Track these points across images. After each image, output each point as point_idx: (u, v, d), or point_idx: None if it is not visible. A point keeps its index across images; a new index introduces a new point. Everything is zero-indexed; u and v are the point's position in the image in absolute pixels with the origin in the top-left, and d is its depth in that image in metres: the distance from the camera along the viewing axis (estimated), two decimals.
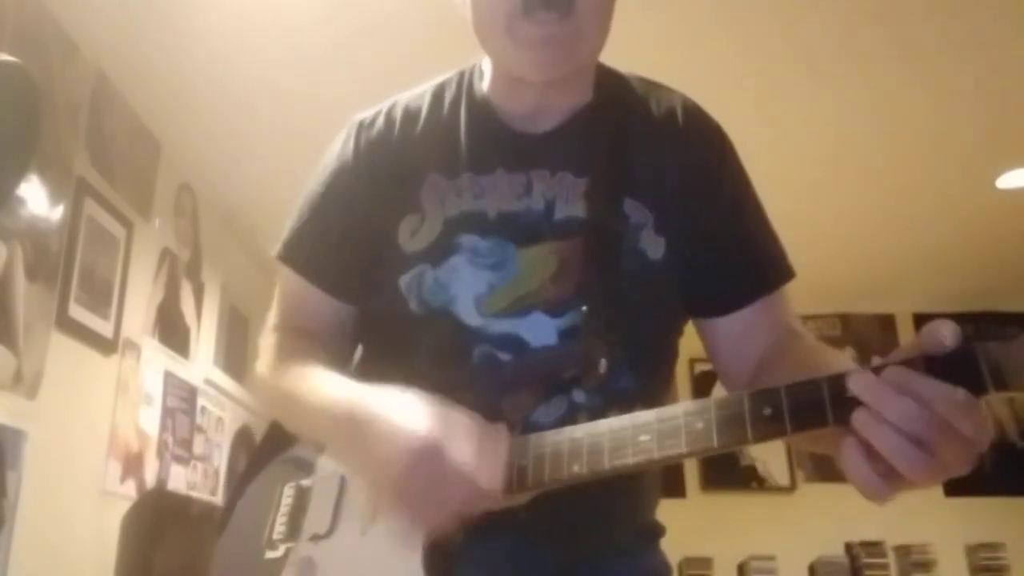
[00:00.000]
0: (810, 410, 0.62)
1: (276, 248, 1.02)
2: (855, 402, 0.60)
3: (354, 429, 0.78)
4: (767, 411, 0.64)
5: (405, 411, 0.75)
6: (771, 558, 4.09)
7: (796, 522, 4.27)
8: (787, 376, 0.70)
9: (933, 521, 4.27)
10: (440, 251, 0.90)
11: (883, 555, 4.15)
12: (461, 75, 1.01)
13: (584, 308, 0.86)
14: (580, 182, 0.90)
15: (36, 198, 2.12)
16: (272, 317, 1.03)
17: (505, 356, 0.86)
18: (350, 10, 2.32)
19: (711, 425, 0.66)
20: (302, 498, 0.92)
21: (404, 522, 0.75)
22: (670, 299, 0.92)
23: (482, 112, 0.96)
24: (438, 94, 1.00)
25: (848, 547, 4.17)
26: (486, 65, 0.98)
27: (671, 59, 2.23)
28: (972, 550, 4.21)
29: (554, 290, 0.87)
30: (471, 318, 0.87)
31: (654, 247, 0.89)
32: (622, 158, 0.92)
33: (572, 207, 0.89)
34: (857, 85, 2.68)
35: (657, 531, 0.97)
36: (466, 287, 0.88)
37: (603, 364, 0.82)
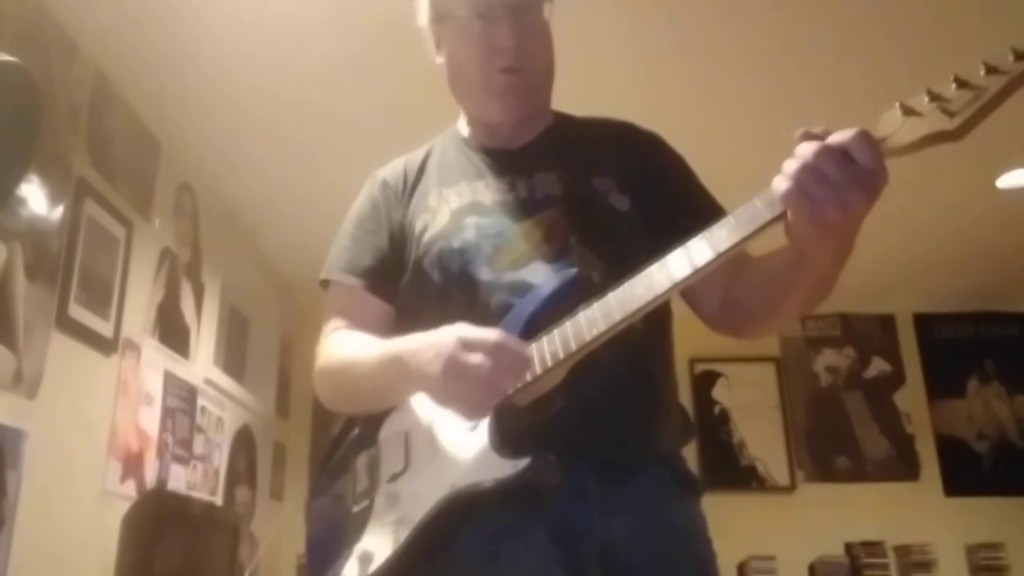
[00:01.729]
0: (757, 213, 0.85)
1: (330, 271, 1.23)
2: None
3: (404, 361, 0.99)
4: (724, 231, 0.87)
5: (434, 333, 0.97)
6: (771, 558, 4.09)
7: (796, 522, 4.27)
8: (752, 291, 1.04)
9: (933, 521, 4.28)
10: (452, 231, 1.12)
11: (883, 555, 4.14)
12: (447, 132, 1.30)
13: (573, 238, 1.06)
14: (552, 175, 1.15)
15: (36, 198, 2.12)
16: (327, 328, 1.21)
17: (517, 300, 1.03)
18: (352, 16, 2.32)
19: (689, 259, 0.88)
20: (373, 459, 1.08)
21: (473, 398, 0.93)
22: (645, 237, 1.09)
23: (468, 145, 1.25)
24: (432, 147, 1.28)
25: (848, 547, 4.16)
26: (460, 123, 1.29)
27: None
28: (972, 550, 4.21)
29: (547, 246, 1.08)
30: (484, 274, 1.07)
31: (621, 202, 1.13)
32: (583, 155, 1.19)
33: (550, 189, 1.14)
34: (857, 85, 2.68)
35: (695, 481, 1.11)
36: (477, 252, 1.09)
37: (596, 276, 1.00)
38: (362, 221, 1.23)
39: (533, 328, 0.98)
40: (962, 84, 0.77)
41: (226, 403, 3.49)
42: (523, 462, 0.91)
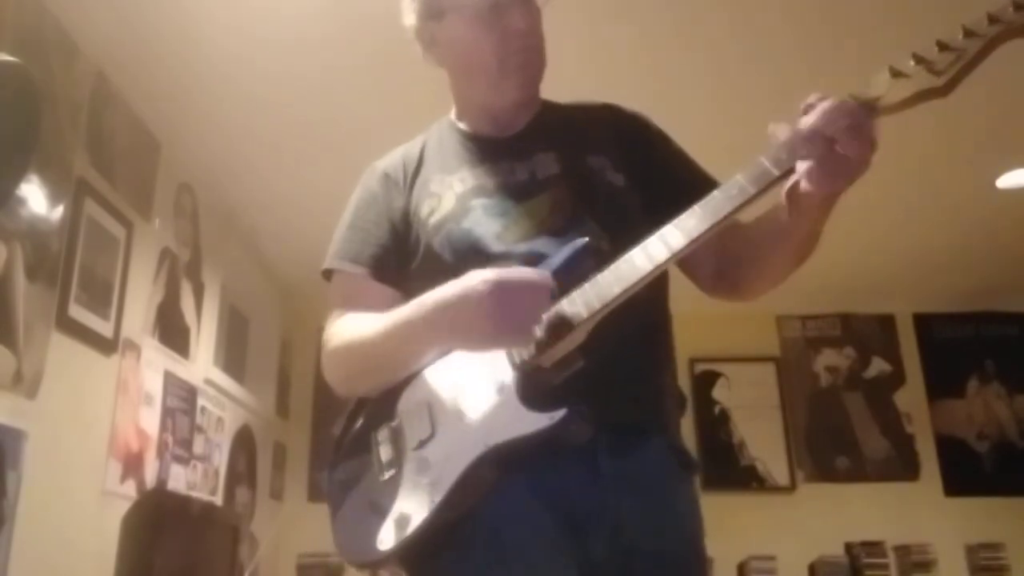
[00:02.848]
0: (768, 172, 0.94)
1: (334, 261, 1.24)
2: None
3: (434, 312, 1.02)
4: (738, 185, 0.95)
5: (462, 279, 1.01)
6: (771, 558, 4.09)
7: (796, 522, 4.27)
8: (746, 251, 1.12)
9: (933, 521, 4.28)
10: (459, 213, 1.16)
11: (883, 555, 4.15)
12: (439, 123, 1.33)
13: (577, 212, 1.11)
14: (549, 155, 1.20)
15: (36, 198, 2.12)
16: (333, 315, 1.22)
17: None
18: (351, 12, 2.32)
19: (704, 216, 0.96)
20: (396, 430, 1.10)
21: (508, 337, 0.98)
22: (642, 210, 1.14)
23: (465, 135, 1.28)
24: (426, 138, 1.31)
25: (848, 547, 4.16)
26: (454, 116, 1.32)
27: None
28: (972, 550, 4.21)
29: (552, 221, 1.13)
30: (496, 247, 1.11)
31: (617, 178, 1.18)
32: (575, 134, 1.23)
33: (549, 169, 1.18)
34: (856, 84, 2.68)
35: (693, 460, 1.17)
36: (485, 229, 1.13)
37: (605, 244, 1.05)
38: (362, 211, 1.25)
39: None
40: (944, 47, 0.87)
41: (226, 403, 3.49)
42: (559, 413, 0.96)
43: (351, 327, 1.17)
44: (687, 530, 1.11)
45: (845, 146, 0.90)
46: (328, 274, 1.25)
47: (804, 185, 0.92)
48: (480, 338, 1.00)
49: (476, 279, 0.99)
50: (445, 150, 1.26)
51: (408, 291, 1.16)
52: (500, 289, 0.97)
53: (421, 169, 1.25)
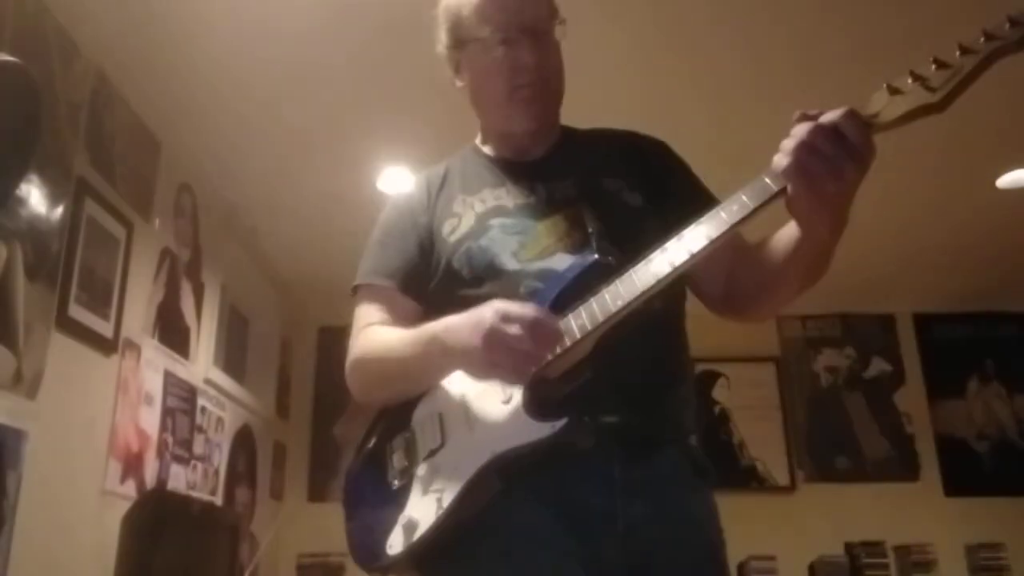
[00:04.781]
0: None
1: (362, 276, 1.29)
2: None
3: (442, 339, 1.07)
4: (735, 206, 0.96)
5: (470, 312, 1.04)
6: (771, 558, 4.09)
7: (796, 522, 4.27)
8: (754, 271, 1.13)
9: (933, 521, 4.28)
10: (478, 231, 1.20)
11: (883, 555, 4.15)
12: (463, 149, 1.39)
13: (590, 230, 1.13)
14: (567, 181, 1.24)
15: (36, 198, 2.12)
16: (358, 326, 1.27)
17: (543, 285, 1.11)
18: (350, 15, 2.32)
19: (706, 231, 0.97)
20: (409, 440, 1.14)
21: (509, 370, 1.00)
22: (658, 230, 1.13)
23: (488, 158, 1.34)
24: (451, 162, 1.36)
25: (848, 547, 4.16)
26: (478, 141, 1.38)
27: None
28: (972, 550, 4.21)
29: (569, 239, 1.16)
30: (512, 265, 1.15)
31: (634, 199, 1.22)
32: (593, 159, 1.28)
33: (567, 192, 1.23)
34: (857, 85, 2.68)
35: (709, 468, 1.17)
36: (503, 247, 1.17)
37: (613, 260, 1.06)
38: (388, 228, 1.31)
39: (559, 308, 1.04)
40: (940, 65, 0.88)
41: (226, 403, 3.49)
42: (560, 422, 0.99)
43: (377, 339, 1.21)
44: (703, 537, 1.11)
45: (827, 147, 0.90)
46: (355, 290, 1.30)
47: (791, 191, 0.93)
48: (477, 368, 1.04)
49: (487, 309, 1.01)
50: (468, 172, 1.32)
51: (429, 307, 1.21)
52: (500, 321, 0.98)
53: (444, 189, 1.30)
